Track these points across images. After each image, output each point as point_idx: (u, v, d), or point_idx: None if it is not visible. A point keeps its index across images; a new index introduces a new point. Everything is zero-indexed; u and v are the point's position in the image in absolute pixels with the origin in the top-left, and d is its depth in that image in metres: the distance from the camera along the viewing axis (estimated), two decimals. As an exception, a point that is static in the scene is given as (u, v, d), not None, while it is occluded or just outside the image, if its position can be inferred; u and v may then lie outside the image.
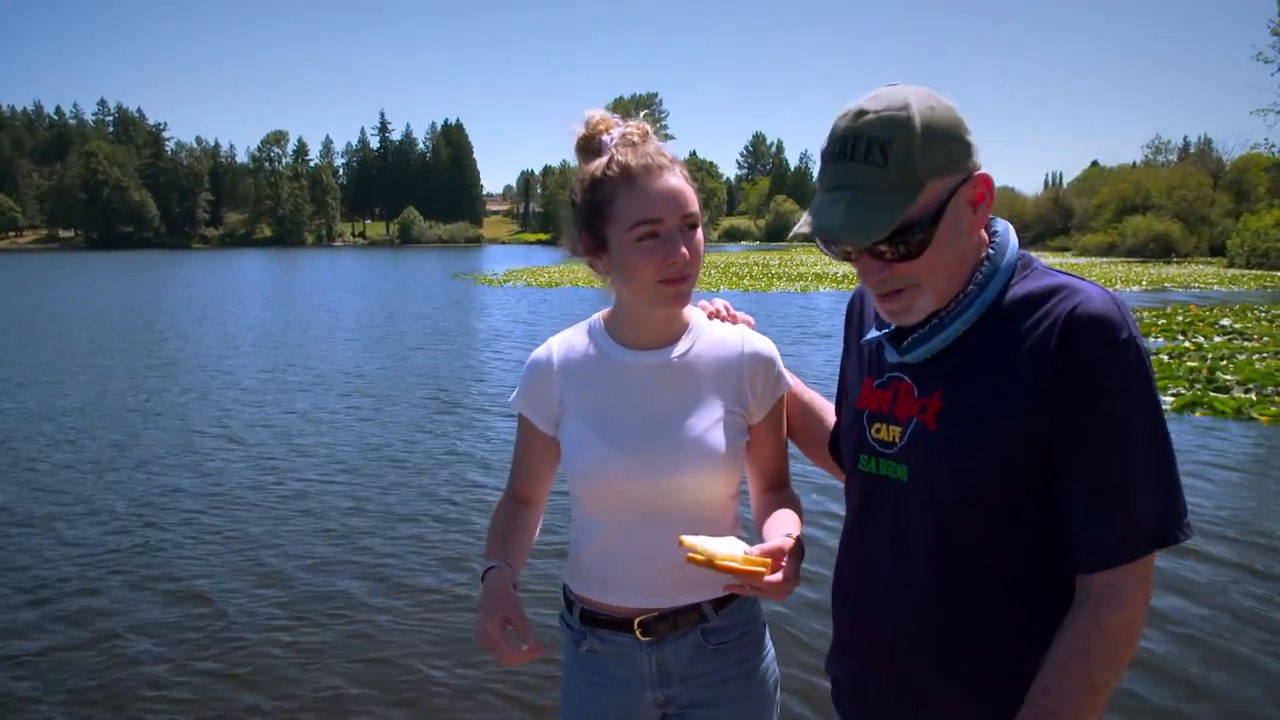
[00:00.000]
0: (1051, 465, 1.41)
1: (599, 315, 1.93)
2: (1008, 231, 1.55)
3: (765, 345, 1.89)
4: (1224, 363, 12.91)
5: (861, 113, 1.41)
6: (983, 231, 1.53)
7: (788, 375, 1.92)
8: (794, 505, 1.89)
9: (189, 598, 5.34)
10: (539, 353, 1.92)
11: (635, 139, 1.77)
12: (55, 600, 5.31)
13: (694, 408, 1.81)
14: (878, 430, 1.57)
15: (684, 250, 1.71)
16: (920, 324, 1.52)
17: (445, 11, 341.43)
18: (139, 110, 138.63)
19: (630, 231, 1.71)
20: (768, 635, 1.99)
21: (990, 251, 1.51)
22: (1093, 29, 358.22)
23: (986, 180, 1.46)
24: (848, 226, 1.40)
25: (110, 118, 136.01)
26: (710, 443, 1.79)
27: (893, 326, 1.57)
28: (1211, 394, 10.73)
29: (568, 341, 1.93)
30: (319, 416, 10.62)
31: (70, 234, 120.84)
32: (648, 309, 1.80)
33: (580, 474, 1.83)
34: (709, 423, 1.81)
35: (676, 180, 1.73)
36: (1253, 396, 10.68)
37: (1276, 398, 10.58)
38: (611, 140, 1.78)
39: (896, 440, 1.54)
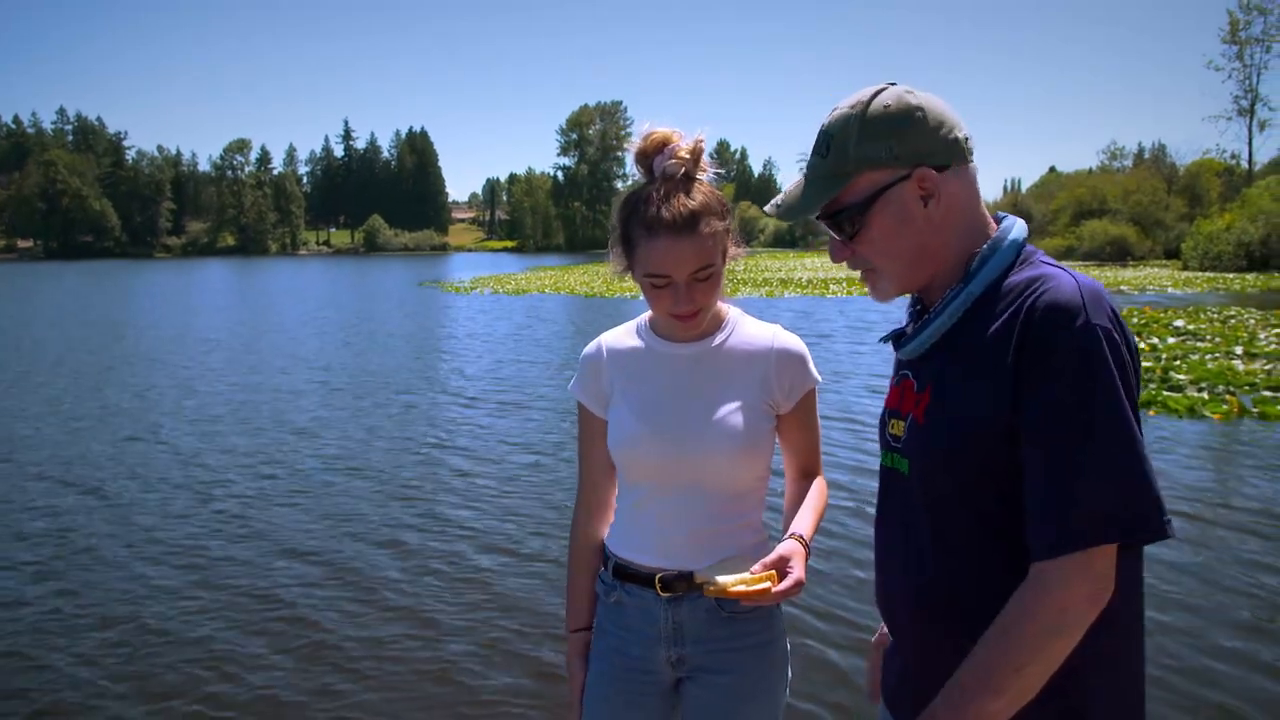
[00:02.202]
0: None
1: (646, 314, 2.12)
2: (1009, 229, 1.57)
3: (795, 343, 2.06)
4: (1177, 363, 13.24)
5: (833, 110, 1.57)
6: (993, 228, 1.58)
7: (815, 373, 2.07)
8: (818, 498, 2.07)
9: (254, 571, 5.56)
10: (590, 348, 2.15)
11: (679, 169, 1.88)
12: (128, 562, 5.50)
13: (720, 394, 2.01)
14: (893, 426, 1.65)
15: (692, 299, 1.91)
16: (915, 320, 1.63)
17: (409, 19, 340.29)
18: (99, 119, 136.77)
19: (645, 277, 1.91)
20: (779, 611, 2.12)
21: (984, 247, 1.54)
22: (1049, 38, 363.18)
23: (927, 177, 1.51)
24: (783, 205, 1.61)
25: (69, 126, 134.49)
26: (730, 425, 1.97)
27: (902, 328, 1.67)
28: (1165, 393, 11.01)
29: (616, 337, 2.14)
30: (332, 418, 10.80)
31: (29, 244, 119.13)
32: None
33: (618, 446, 2.05)
34: (732, 408, 1.99)
35: (693, 241, 1.86)
36: (1205, 395, 10.98)
37: (1228, 396, 10.88)
38: (661, 162, 1.90)
39: (902, 435, 1.61)
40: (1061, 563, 1.35)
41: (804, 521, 1.97)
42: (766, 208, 1.66)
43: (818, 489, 2.09)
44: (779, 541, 1.91)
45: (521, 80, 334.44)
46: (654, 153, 1.91)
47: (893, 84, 1.55)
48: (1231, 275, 38.56)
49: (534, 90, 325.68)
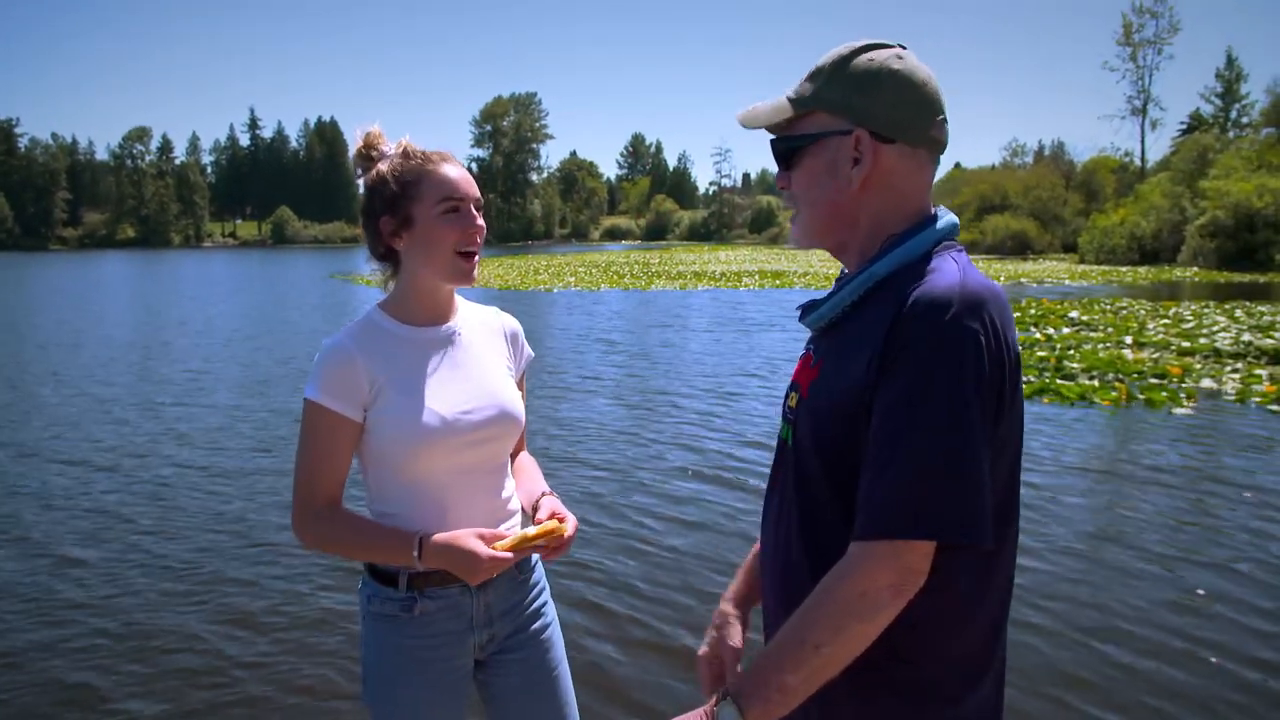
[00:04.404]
0: None
1: (374, 307, 2.11)
2: (934, 219, 1.53)
3: (515, 321, 2.29)
4: (1071, 352, 13.83)
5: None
6: (927, 218, 1.54)
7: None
8: (534, 462, 2.32)
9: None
10: (336, 348, 2.00)
11: (407, 149, 2.09)
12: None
13: (489, 371, 2.12)
14: (790, 398, 1.62)
15: (479, 223, 2.03)
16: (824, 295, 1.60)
17: (318, 5, 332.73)
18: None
19: (437, 205, 1.99)
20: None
21: (903, 231, 1.51)
22: (953, 37, 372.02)
23: (863, 140, 1.50)
24: (748, 113, 1.61)
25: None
26: (512, 398, 2.13)
27: (816, 300, 1.62)
28: (1059, 381, 11.48)
29: (360, 332, 2.04)
30: (250, 405, 10.65)
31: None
32: (442, 282, 2.06)
33: (416, 442, 1.97)
34: (504, 381, 2.14)
35: (464, 169, 2.06)
36: (1096, 383, 11.47)
37: (1116, 384, 11.40)
38: (390, 150, 2.09)
39: (794, 407, 1.59)
40: (868, 547, 1.35)
41: (543, 480, 2.25)
42: (738, 112, 1.63)
43: (530, 457, 2.34)
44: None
45: (434, 70, 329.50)
46: (380, 143, 2.10)
47: (903, 47, 1.56)
48: (1125, 268, 40.21)
49: (446, 80, 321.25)
